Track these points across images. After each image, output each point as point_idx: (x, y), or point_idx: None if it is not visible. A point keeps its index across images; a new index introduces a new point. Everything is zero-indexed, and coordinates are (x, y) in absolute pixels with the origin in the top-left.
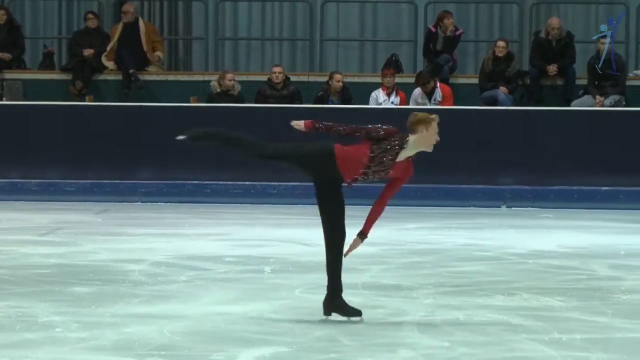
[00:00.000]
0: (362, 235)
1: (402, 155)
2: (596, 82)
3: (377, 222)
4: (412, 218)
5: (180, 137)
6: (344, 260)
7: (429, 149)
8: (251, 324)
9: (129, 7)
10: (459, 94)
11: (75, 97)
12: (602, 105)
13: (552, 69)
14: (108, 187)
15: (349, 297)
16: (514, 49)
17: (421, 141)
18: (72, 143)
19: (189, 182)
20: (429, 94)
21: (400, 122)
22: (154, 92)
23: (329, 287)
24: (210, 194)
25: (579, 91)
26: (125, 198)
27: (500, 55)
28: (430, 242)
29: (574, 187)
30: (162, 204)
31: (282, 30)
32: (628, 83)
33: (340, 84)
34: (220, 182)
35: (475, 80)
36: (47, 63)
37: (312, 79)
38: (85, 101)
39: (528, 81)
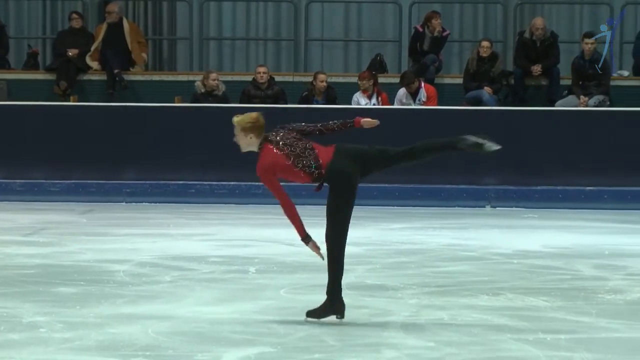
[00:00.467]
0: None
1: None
2: (580, 82)
3: (361, 223)
4: (397, 218)
5: (495, 147)
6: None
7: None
8: (236, 324)
9: (113, 7)
10: (444, 94)
11: (60, 97)
12: (587, 106)
13: (537, 69)
14: (92, 188)
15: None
16: (498, 49)
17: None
18: (57, 143)
19: (173, 182)
20: (414, 94)
21: (382, 124)
22: (139, 92)
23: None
24: (195, 194)
25: (563, 91)
26: (110, 198)
27: (484, 55)
28: (415, 242)
29: (559, 187)
30: (147, 204)
31: (267, 30)
32: (612, 83)
33: (325, 84)
34: (205, 183)
35: (459, 81)
36: (31, 63)
37: (296, 79)
38: (69, 101)
39: (512, 81)
